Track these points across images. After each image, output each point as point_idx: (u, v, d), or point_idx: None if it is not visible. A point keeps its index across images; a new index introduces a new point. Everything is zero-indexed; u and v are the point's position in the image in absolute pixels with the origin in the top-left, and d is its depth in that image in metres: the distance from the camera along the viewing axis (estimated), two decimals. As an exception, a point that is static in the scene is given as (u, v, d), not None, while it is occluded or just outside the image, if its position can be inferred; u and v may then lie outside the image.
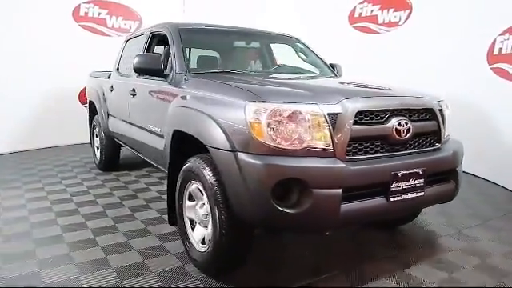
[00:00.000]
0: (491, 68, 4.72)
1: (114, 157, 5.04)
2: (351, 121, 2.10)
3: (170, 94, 2.95)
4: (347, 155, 2.10)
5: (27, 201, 3.94)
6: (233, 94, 2.27)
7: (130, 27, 7.37)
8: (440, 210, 3.63)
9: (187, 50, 3.29)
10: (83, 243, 2.97)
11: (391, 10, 6.28)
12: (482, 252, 2.92)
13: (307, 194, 1.96)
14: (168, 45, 3.56)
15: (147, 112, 3.42)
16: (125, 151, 5.12)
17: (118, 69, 4.51)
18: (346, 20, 6.90)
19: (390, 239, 3.13)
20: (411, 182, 2.26)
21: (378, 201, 2.17)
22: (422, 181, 2.31)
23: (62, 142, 6.84)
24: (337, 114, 2.09)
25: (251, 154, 2.04)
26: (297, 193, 1.98)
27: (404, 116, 2.30)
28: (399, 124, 2.24)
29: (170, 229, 3.25)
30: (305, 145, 2.04)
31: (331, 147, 2.06)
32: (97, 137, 5.27)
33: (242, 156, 2.05)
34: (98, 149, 5.25)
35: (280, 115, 2.03)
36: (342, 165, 2.04)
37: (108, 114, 4.65)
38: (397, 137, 2.24)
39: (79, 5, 6.82)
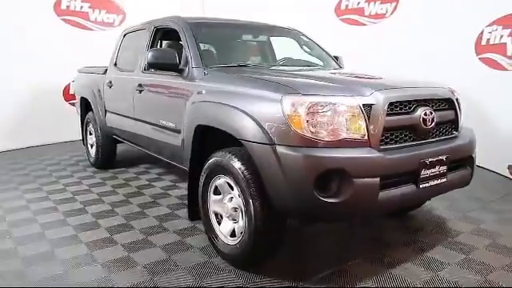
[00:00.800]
0: (479, 58, 4.92)
1: (111, 154, 4.95)
2: (384, 112, 2.16)
3: (187, 88, 2.93)
4: (381, 145, 2.17)
5: (28, 201, 3.82)
6: (266, 87, 2.29)
7: (114, 21, 7.19)
8: (441, 195, 3.77)
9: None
10: (101, 242, 2.92)
11: (378, 3, 6.40)
12: (491, 233, 3.08)
13: (348, 183, 2.01)
14: (175, 39, 3.55)
15: (159, 107, 3.37)
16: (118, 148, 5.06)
17: (115, 64, 4.40)
18: (332, 12, 6.99)
19: (403, 225, 3.24)
20: (437, 168, 2.35)
21: (409, 188, 2.25)
22: (445, 168, 2.41)
23: (47, 141, 6.64)
24: (371, 105, 2.15)
25: (290, 146, 2.08)
26: (338, 183, 2.03)
27: (428, 106, 2.39)
28: (425, 114, 2.33)
29: (185, 224, 3.25)
30: (342, 136, 2.09)
31: (366, 137, 2.12)
32: (90, 134, 5.15)
33: (281, 149, 2.08)
34: (92, 146, 5.13)
35: (318, 108, 2.07)
36: (379, 154, 2.11)
37: (105, 111, 4.54)
38: (423, 126, 2.33)
39: (61, -3, 6.59)
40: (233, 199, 2.50)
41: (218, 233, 2.63)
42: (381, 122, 2.15)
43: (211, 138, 2.75)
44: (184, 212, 3.51)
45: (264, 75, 2.61)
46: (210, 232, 2.70)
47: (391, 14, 6.22)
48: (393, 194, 2.16)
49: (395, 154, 2.18)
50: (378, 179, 2.06)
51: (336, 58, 3.94)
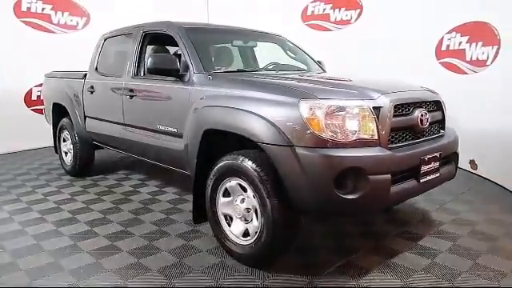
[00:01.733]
0: (440, 62, 5.35)
1: (89, 161, 4.81)
2: (391, 113, 2.36)
3: (189, 94, 2.96)
4: (388, 144, 2.36)
5: (10, 213, 3.63)
6: (281, 92, 2.41)
7: (77, 24, 6.94)
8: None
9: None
10: (105, 250, 2.88)
11: (342, 9, 6.74)
12: (468, 221, 3.40)
13: (365, 180, 2.18)
14: (163, 44, 3.58)
15: (155, 113, 3.36)
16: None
17: (96, 68, 4.30)
18: (298, 18, 7.24)
19: (391, 218, 3.48)
20: (432, 164, 2.60)
21: (412, 183, 2.47)
22: (438, 163, 2.66)
23: (7, 150, 6.30)
24: (379, 107, 2.33)
25: (309, 147, 2.21)
26: (355, 180, 2.19)
27: (422, 108, 2.63)
28: (422, 115, 2.56)
29: (185, 228, 3.28)
30: (356, 136, 2.25)
31: (376, 137, 2.30)
32: (64, 141, 4.97)
33: (301, 150, 2.21)
34: (66, 154, 4.96)
35: (335, 111, 2.22)
36: (389, 152, 2.30)
37: (85, 116, 4.42)
38: (420, 126, 2.56)
39: (20, -2, 6.28)
40: (245, 200, 2.59)
41: (229, 234, 2.70)
42: (388, 123, 2.34)
43: (216, 143, 2.81)
44: (180, 216, 3.54)
45: (271, 80, 2.72)
46: (220, 234, 2.76)
47: (356, 20, 6.57)
48: (400, 189, 2.37)
49: (401, 152, 2.38)
50: (389, 175, 2.25)
51: (319, 62, 4.12)
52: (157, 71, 3.03)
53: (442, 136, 2.87)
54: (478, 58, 4.82)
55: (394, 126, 2.40)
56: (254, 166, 2.41)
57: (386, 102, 2.36)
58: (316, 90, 2.38)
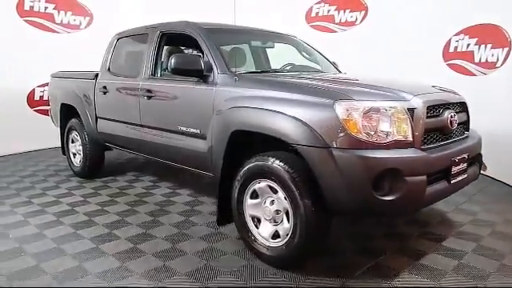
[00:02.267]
0: (447, 64, 5.39)
1: (100, 162, 4.74)
2: (424, 114, 2.36)
3: (214, 94, 2.93)
4: (421, 145, 2.36)
5: (25, 216, 3.57)
6: (316, 93, 2.39)
7: (80, 23, 6.86)
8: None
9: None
10: (129, 253, 2.83)
11: (347, 11, 6.76)
12: (487, 222, 3.42)
13: (403, 181, 2.17)
14: (178, 44, 3.55)
15: (177, 114, 3.31)
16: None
17: (109, 69, 4.25)
18: (303, 19, 7.25)
19: (411, 219, 3.48)
20: (461, 166, 2.61)
21: (443, 184, 2.48)
22: (465, 165, 2.67)
23: (10, 151, 6.18)
24: (413, 109, 2.33)
25: (346, 149, 2.20)
26: (393, 181, 2.18)
27: (451, 109, 2.64)
28: (451, 116, 2.57)
29: (206, 230, 3.24)
30: (391, 138, 2.25)
31: (411, 138, 2.30)
32: (73, 142, 4.90)
33: (337, 151, 2.20)
34: (75, 155, 4.89)
35: (372, 112, 2.22)
36: (424, 154, 2.30)
37: (97, 117, 4.36)
38: (450, 127, 2.57)
39: (23, -3, 6.19)
40: (274, 202, 2.57)
41: (257, 236, 2.68)
42: (422, 124, 2.35)
43: (241, 144, 2.79)
44: (199, 218, 3.51)
45: (301, 80, 2.71)
46: (247, 236, 2.73)
47: (361, 21, 6.59)
48: (434, 190, 2.37)
49: (435, 154, 2.38)
50: (425, 177, 2.25)
51: (334, 64, 4.13)
52: (179, 71, 2.99)
53: (467, 137, 2.88)
54: (487, 60, 4.86)
55: (427, 128, 2.40)
56: (285, 167, 2.40)
57: (419, 104, 2.36)
58: (350, 92, 2.37)
